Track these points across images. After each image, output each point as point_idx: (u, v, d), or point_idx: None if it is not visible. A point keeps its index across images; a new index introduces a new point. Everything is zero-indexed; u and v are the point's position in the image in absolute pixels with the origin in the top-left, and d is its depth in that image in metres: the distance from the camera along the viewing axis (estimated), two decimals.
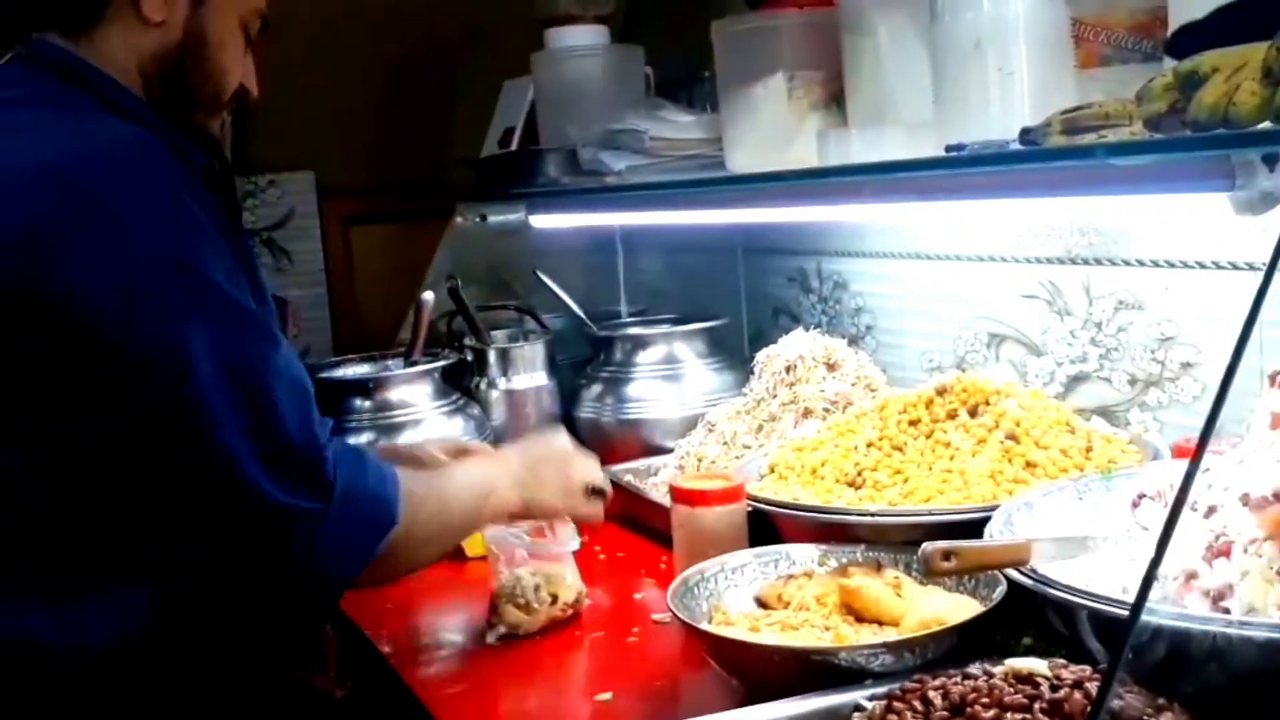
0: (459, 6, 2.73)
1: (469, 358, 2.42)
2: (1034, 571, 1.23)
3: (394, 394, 2.20)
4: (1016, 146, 1.29)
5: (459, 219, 2.76)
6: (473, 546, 1.88)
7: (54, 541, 1.22)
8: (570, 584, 1.69)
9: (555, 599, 1.66)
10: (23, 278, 1.15)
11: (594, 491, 1.63)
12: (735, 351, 2.45)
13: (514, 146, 2.51)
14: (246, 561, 1.26)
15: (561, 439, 1.65)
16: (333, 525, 1.25)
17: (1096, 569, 1.25)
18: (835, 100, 1.80)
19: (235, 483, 1.20)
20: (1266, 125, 1.03)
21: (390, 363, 2.37)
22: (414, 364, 2.28)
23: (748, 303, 2.60)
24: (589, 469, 1.64)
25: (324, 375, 2.27)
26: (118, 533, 1.23)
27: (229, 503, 1.22)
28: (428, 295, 2.22)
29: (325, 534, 1.25)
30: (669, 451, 2.18)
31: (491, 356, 2.39)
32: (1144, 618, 0.92)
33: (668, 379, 2.35)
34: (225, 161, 1.50)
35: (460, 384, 2.38)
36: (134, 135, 1.24)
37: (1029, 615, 1.32)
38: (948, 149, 1.38)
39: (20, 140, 1.23)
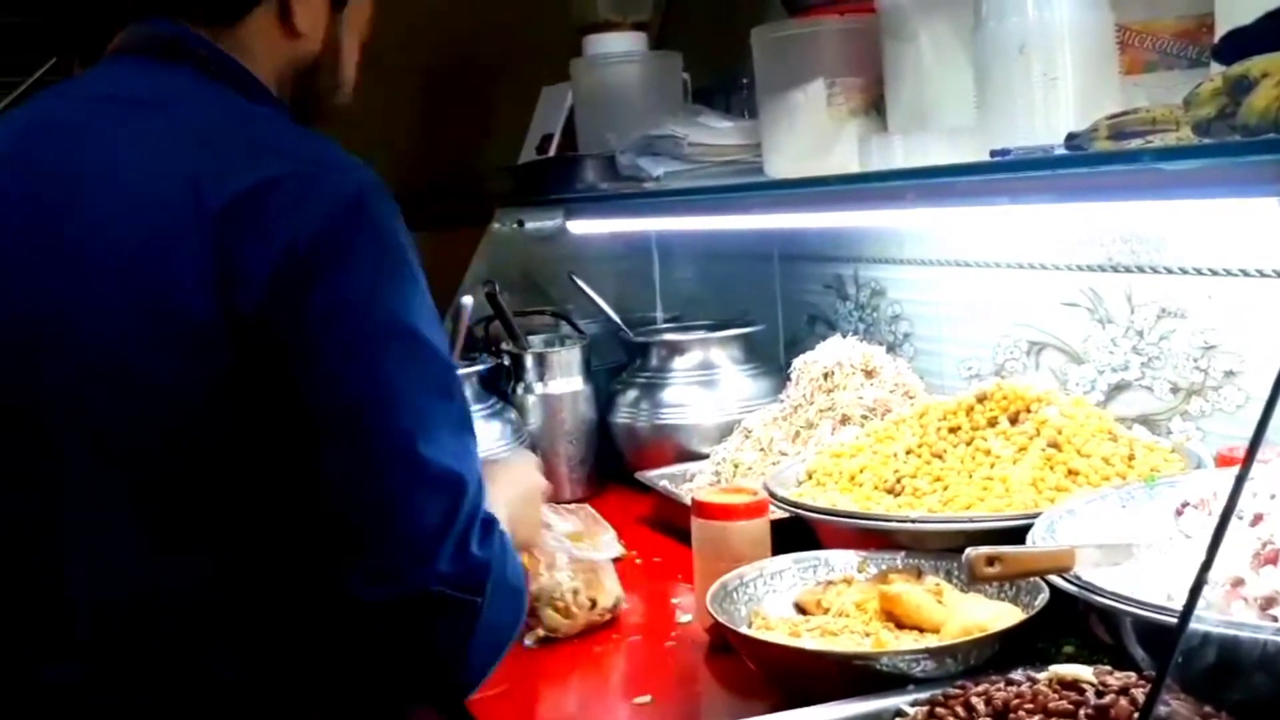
0: (498, 14, 2.74)
1: (506, 362, 2.43)
2: (1078, 578, 1.22)
3: None
4: (1062, 152, 1.29)
5: (496, 225, 2.76)
6: None
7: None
8: (609, 589, 1.69)
9: (594, 604, 1.66)
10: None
11: None
12: (771, 358, 2.45)
13: (552, 152, 2.52)
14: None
15: (531, 472, 1.53)
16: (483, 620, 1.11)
17: (1139, 577, 1.24)
18: (875, 106, 1.80)
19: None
20: None
21: None
22: None
23: (783, 309, 2.59)
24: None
25: None
26: None
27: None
28: (467, 300, 2.22)
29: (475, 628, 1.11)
30: (704, 457, 2.18)
31: (528, 361, 2.40)
32: (1192, 625, 0.91)
33: (703, 385, 2.35)
34: None
35: (497, 388, 2.38)
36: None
37: (1070, 624, 1.31)
38: (992, 154, 1.38)
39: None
